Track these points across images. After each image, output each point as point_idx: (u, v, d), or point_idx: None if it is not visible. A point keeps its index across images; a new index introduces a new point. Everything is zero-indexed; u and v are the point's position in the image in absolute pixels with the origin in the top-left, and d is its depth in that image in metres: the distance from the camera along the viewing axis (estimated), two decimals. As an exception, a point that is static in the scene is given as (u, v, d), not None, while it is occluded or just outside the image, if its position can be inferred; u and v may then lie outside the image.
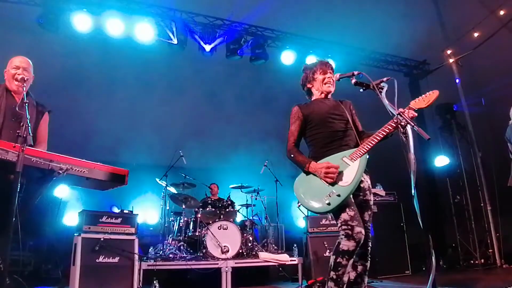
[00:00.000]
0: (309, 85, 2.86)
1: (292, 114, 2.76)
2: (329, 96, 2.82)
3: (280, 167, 6.26)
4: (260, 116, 8.24)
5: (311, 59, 7.31)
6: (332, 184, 2.37)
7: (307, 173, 2.50)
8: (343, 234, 2.34)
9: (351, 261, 2.32)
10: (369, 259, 2.51)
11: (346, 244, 2.30)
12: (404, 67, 8.48)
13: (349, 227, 2.31)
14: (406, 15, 6.94)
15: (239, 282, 4.97)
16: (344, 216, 2.35)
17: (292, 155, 2.63)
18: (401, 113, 2.27)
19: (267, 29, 7.24)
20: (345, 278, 2.32)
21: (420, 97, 2.46)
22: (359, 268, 2.49)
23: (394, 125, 2.33)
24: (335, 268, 2.31)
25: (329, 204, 2.32)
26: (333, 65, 2.88)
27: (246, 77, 7.90)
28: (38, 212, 5.44)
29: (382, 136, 2.41)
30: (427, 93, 2.47)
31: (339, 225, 2.39)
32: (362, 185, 2.55)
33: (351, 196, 2.44)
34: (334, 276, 2.31)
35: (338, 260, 2.31)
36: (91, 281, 3.93)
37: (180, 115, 7.87)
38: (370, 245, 2.52)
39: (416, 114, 2.36)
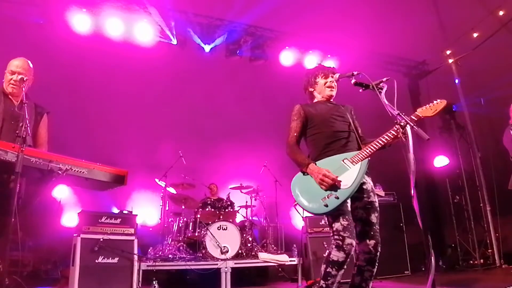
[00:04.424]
0: (310, 89, 2.86)
1: (294, 111, 2.74)
2: (331, 100, 2.82)
3: (280, 167, 6.26)
4: (260, 116, 8.24)
5: (310, 59, 7.33)
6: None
7: (305, 172, 2.49)
8: (334, 244, 2.33)
9: (341, 272, 2.31)
10: (377, 265, 2.46)
11: (336, 255, 2.29)
12: (403, 67, 8.48)
13: (340, 237, 2.30)
14: (405, 15, 6.95)
15: (239, 282, 4.97)
16: (337, 225, 2.34)
17: (292, 153, 2.61)
18: (400, 113, 2.26)
19: (266, 29, 7.24)
20: None
21: (427, 105, 2.43)
22: (366, 274, 2.45)
23: (397, 132, 2.29)
24: (325, 278, 2.32)
25: (326, 206, 2.30)
26: (335, 68, 2.88)
27: (245, 77, 7.90)
28: (37, 212, 5.44)
29: (386, 141, 2.39)
30: (435, 101, 2.42)
31: (331, 234, 2.38)
32: (365, 187, 2.53)
33: (349, 203, 2.42)
34: (324, 286, 2.32)
35: (327, 270, 2.31)
36: (91, 281, 3.92)
37: (180, 115, 7.87)
38: (380, 250, 2.44)
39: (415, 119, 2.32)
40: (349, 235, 2.29)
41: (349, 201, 2.41)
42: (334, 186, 2.34)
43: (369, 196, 2.53)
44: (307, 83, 2.88)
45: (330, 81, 2.76)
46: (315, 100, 2.85)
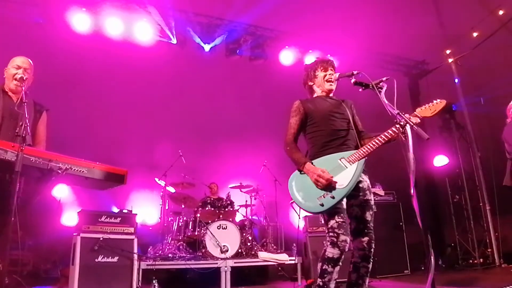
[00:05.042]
0: (310, 83, 2.84)
1: (293, 108, 2.73)
2: (331, 94, 2.80)
3: (279, 166, 6.26)
4: (259, 116, 8.24)
5: (310, 59, 7.32)
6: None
7: (302, 171, 2.50)
8: (328, 241, 2.35)
9: (337, 268, 2.33)
10: (372, 261, 2.49)
11: (331, 252, 2.32)
12: (403, 67, 8.48)
13: (335, 234, 2.33)
14: (405, 14, 6.94)
15: (239, 281, 4.97)
16: (332, 223, 2.36)
17: (289, 150, 2.61)
18: (400, 113, 2.26)
19: (266, 29, 7.23)
20: (332, 285, 2.34)
21: (426, 105, 2.43)
22: (362, 270, 2.47)
23: (396, 132, 2.29)
24: (322, 275, 2.33)
25: (322, 205, 2.32)
26: (335, 63, 2.86)
27: (245, 76, 7.89)
28: (37, 211, 5.44)
29: (383, 140, 2.39)
30: (434, 101, 2.43)
31: (326, 231, 2.40)
32: (361, 185, 2.53)
33: (345, 201, 2.44)
34: (321, 283, 2.33)
35: (324, 267, 2.33)
36: (90, 280, 3.92)
37: (179, 115, 7.87)
38: (373, 247, 2.48)
39: (419, 121, 2.34)
40: (344, 232, 2.33)
41: (344, 199, 2.42)
42: (329, 185, 2.35)
43: (365, 194, 2.54)
44: (306, 77, 2.87)
45: (330, 74, 2.75)
46: (315, 95, 2.83)
